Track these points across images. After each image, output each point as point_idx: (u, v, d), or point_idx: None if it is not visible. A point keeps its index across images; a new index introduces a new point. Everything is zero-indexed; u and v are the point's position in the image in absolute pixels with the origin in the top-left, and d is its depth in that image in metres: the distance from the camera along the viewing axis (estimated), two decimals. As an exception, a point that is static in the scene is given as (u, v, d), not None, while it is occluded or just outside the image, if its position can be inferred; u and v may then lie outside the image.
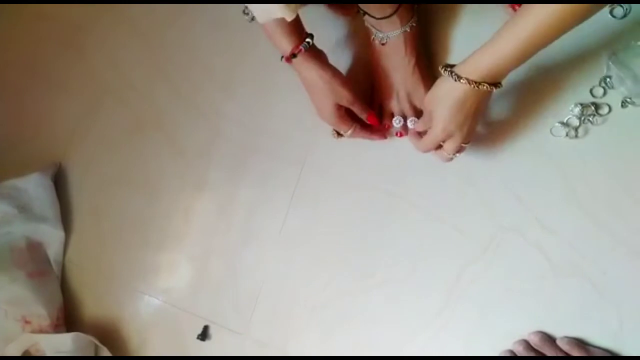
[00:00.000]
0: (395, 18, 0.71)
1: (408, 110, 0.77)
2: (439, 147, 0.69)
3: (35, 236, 0.90)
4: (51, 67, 0.98)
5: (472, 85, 0.60)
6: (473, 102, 0.63)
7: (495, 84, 0.61)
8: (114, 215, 0.92)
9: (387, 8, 0.71)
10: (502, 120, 0.75)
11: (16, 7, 1.01)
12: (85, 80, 0.96)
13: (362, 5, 0.72)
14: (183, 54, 0.91)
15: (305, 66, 0.70)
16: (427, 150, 0.71)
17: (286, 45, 0.69)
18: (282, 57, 0.71)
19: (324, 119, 0.75)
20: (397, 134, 0.78)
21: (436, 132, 0.66)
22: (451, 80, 0.61)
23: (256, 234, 0.85)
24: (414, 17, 0.73)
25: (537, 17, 0.54)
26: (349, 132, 0.76)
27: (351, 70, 0.82)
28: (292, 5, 0.59)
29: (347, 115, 0.75)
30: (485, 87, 0.60)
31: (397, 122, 0.77)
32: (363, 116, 0.76)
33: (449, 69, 0.62)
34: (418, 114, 0.76)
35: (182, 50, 0.91)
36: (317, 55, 0.71)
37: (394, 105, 0.77)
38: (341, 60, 0.81)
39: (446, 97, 0.63)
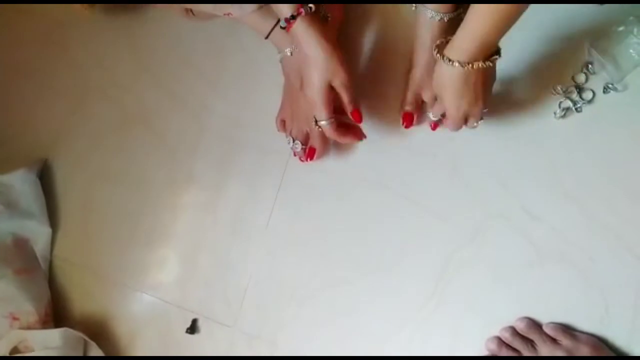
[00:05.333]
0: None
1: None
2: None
3: (22, 233, 0.90)
4: (35, 63, 0.97)
5: (466, 67, 0.59)
6: (476, 79, 0.61)
7: (489, 57, 0.60)
8: (101, 210, 0.92)
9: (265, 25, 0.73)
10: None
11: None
12: (70, 76, 0.95)
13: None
14: (167, 49, 0.90)
15: (306, 34, 0.66)
16: (457, 129, 0.69)
17: (287, 9, 0.65)
18: (283, 24, 0.67)
19: (309, 95, 0.69)
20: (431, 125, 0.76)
21: (453, 115, 0.65)
22: (445, 65, 0.60)
23: (244, 227, 0.85)
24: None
25: None
26: (325, 122, 0.70)
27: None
28: None
29: (332, 102, 0.70)
30: (479, 65, 0.59)
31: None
32: (349, 108, 0.71)
33: (441, 54, 0.61)
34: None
35: (166, 46, 0.91)
36: (320, 25, 0.67)
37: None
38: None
39: (449, 82, 0.62)
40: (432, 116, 0.73)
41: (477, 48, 0.58)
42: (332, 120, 0.70)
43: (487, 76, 0.62)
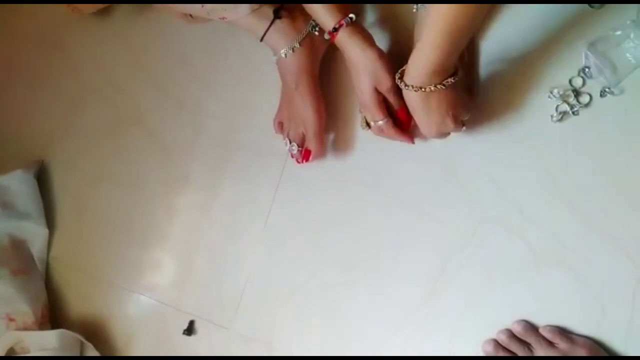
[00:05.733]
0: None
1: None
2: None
3: (19, 233, 0.90)
4: (31, 64, 0.97)
5: (420, 91, 0.62)
6: (438, 101, 0.63)
7: (445, 80, 0.62)
8: (97, 212, 0.92)
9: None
10: (482, 112, 0.75)
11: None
12: (66, 77, 0.95)
13: None
14: (162, 48, 0.90)
15: (349, 42, 0.68)
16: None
17: (328, 20, 0.68)
18: (327, 36, 0.69)
19: (362, 103, 0.72)
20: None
21: (426, 133, 0.68)
22: (405, 90, 0.63)
23: (240, 228, 0.85)
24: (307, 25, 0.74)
25: (444, 12, 0.54)
26: (382, 122, 0.72)
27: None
28: None
29: (384, 104, 0.72)
30: (432, 88, 0.61)
31: None
32: (396, 106, 0.72)
33: (401, 80, 0.64)
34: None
35: (162, 45, 0.90)
36: (363, 33, 0.69)
37: None
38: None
39: (414, 105, 0.65)
40: None
41: (428, 73, 0.60)
42: (388, 119, 0.72)
43: (450, 97, 0.64)
